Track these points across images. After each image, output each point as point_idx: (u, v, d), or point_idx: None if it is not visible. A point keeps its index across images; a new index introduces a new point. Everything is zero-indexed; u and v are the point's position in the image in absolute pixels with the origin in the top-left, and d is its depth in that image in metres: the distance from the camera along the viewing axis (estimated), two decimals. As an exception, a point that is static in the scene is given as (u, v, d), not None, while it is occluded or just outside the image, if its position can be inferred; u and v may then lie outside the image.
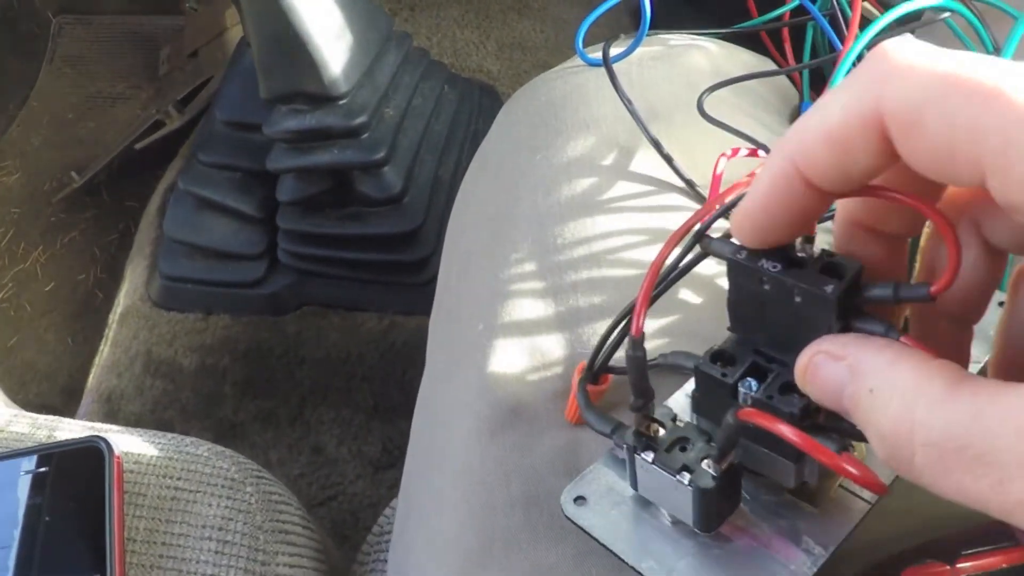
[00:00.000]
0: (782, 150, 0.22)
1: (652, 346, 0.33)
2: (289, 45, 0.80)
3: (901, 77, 0.19)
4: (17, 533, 0.50)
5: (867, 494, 0.28)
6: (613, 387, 0.35)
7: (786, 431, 0.23)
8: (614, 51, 0.51)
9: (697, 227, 0.27)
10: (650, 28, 0.52)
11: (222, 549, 0.52)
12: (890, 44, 0.20)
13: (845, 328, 0.24)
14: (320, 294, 1.01)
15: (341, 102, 0.85)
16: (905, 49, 0.20)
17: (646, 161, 0.47)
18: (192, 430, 0.95)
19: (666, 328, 0.38)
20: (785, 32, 0.64)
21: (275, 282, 1.00)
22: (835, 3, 0.53)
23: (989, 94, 0.18)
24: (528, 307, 0.41)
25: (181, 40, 1.36)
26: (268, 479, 0.58)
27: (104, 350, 1.03)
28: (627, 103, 0.47)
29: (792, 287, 0.24)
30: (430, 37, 1.26)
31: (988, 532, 0.27)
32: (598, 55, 0.52)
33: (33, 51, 1.50)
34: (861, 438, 0.24)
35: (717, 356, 0.26)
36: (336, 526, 0.88)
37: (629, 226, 0.43)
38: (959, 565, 0.26)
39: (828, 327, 0.24)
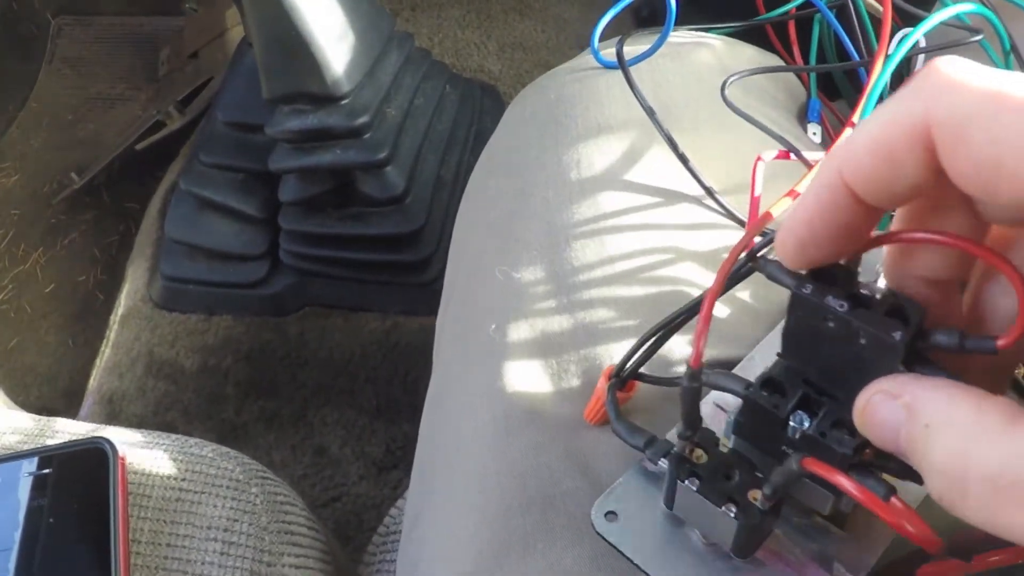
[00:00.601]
0: (831, 160, 0.22)
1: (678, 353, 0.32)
2: (292, 45, 0.80)
3: (951, 91, 0.19)
4: (18, 535, 0.49)
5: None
6: (637, 394, 0.35)
7: (848, 486, 0.23)
8: (628, 50, 0.51)
9: (752, 247, 0.26)
10: (650, 25, 0.52)
11: (227, 550, 0.52)
12: (941, 61, 0.20)
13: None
14: (322, 295, 1.00)
15: (343, 102, 0.85)
16: (956, 65, 0.20)
17: (659, 159, 0.46)
18: (194, 432, 0.95)
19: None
20: (792, 27, 0.64)
21: (277, 283, 1.00)
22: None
23: None
24: (541, 307, 0.41)
25: (181, 41, 1.35)
26: (273, 480, 0.58)
27: (105, 352, 1.03)
28: (642, 101, 0.47)
29: (858, 329, 0.23)
30: (431, 37, 1.25)
31: None
32: (609, 53, 0.52)
33: (32, 52, 1.49)
34: (909, 477, 0.24)
35: (766, 384, 0.26)
36: (340, 527, 0.88)
37: (643, 224, 0.43)
38: (975, 561, 0.26)
39: (890, 371, 0.23)
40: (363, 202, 0.91)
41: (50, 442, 0.55)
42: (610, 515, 0.30)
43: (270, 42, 0.81)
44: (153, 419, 0.96)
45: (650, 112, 0.46)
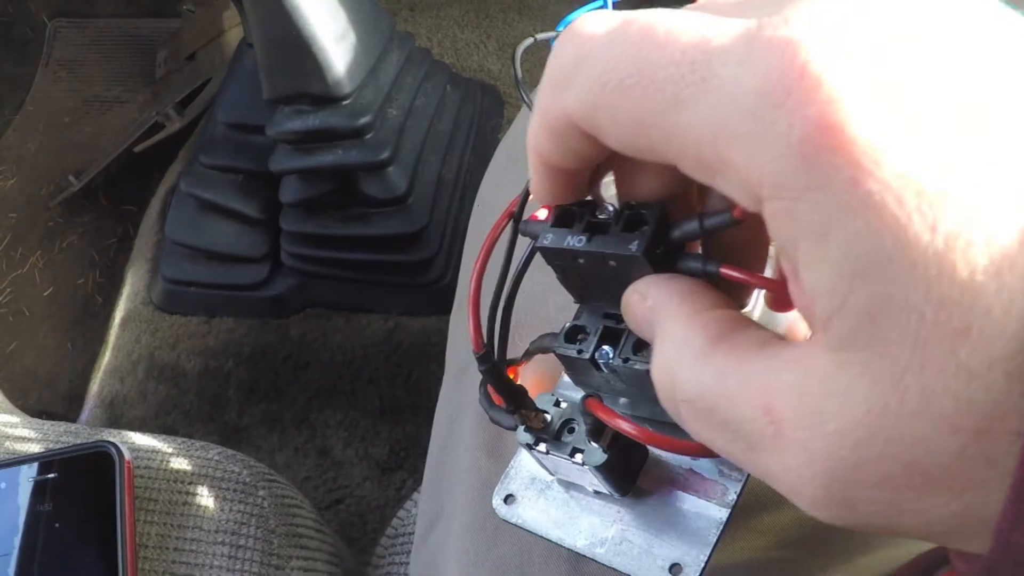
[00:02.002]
0: (528, 143, 0.22)
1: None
2: (293, 47, 0.79)
3: (572, 84, 0.20)
4: (17, 540, 0.49)
5: None
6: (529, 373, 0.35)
7: (625, 426, 0.24)
8: None
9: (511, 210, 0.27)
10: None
11: (236, 554, 0.52)
12: (559, 42, 0.20)
13: (668, 270, 0.23)
14: (324, 296, 1.00)
15: (345, 103, 0.85)
16: (567, 47, 0.20)
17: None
18: (196, 434, 0.94)
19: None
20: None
21: (278, 284, 0.99)
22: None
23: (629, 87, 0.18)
24: (567, 304, 0.40)
25: (178, 43, 1.35)
26: (280, 482, 0.57)
27: (106, 355, 1.03)
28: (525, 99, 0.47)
29: (600, 255, 0.23)
30: (430, 37, 1.25)
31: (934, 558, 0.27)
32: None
33: (28, 55, 1.49)
34: None
35: (572, 332, 0.26)
36: (344, 529, 0.88)
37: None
38: None
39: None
40: (365, 203, 0.91)
41: (53, 446, 0.55)
42: (509, 498, 0.31)
43: (271, 43, 0.81)
44: (154, 422, 0.96)
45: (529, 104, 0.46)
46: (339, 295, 1.00)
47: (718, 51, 0.17)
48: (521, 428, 0.28)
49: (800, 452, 0.17)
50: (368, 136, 0.86)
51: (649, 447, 0.29)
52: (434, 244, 0.92)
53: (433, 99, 0.97)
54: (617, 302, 0.24)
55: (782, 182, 0.16)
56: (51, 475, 0.52)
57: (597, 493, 0.29)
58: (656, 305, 0.21)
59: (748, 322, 0.20)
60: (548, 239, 0.24)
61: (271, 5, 0.77)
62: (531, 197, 0.25)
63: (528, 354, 0.30)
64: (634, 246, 0.22)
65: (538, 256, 0.26)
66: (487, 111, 1.05)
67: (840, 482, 0.16)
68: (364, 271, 0.96)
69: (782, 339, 0.19)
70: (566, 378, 0.32)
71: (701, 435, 0.20)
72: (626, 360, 0.25)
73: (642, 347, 0.25)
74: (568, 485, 0.30)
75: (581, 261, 0.24)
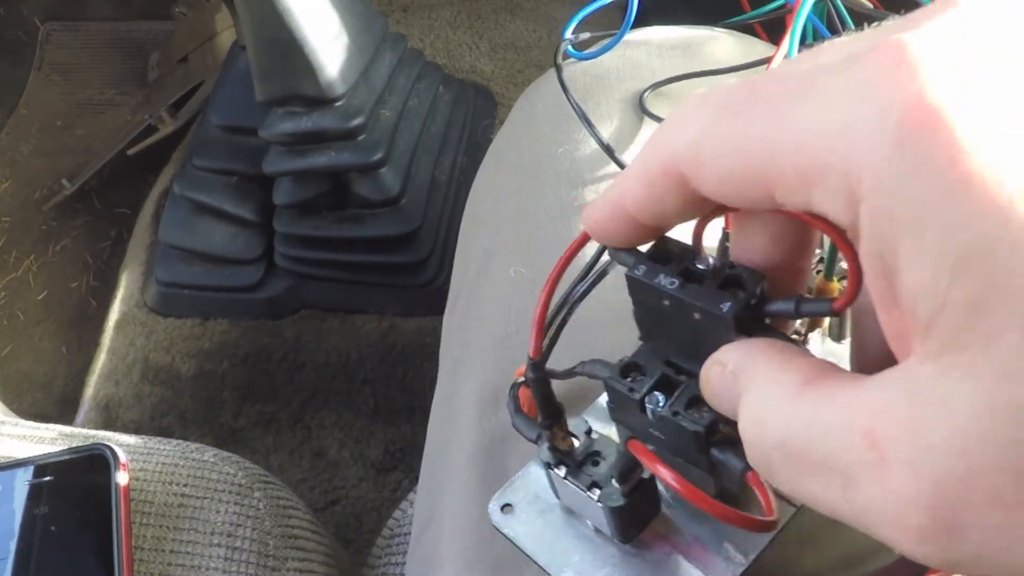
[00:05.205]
0: (616, 189, 0.23)
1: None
2: (285, 48, 0.80)
3: (693, 122, 0.20)
4: (13, 545, 0.49)
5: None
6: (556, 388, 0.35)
7: (664, 473, 0.23)
8: (597, 48, 0.51)
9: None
10: (643, 24, 0.52)
11: (231, 556, 0.52)
12: (688, 99, 0.21)
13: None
14: (318, 297, 1.00)
15: (337, 104, 0.85)
16: (692, 102, 0.20)
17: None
18: (191, 437, 0.94)
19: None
20: (788, 20, 0.63)
21: (273, 286, 0.99)
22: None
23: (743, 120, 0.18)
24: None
25: (170, 45, 1.35)
26: (275, 484, 0.57)
27: (100, 358, 1.03)
28: (574, 103, 0.47)
29: (689, 304, 0.23)
30: (423, 38, 1.25)
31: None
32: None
33: (21, 58, 1.49)
34: None
35: (628, 368, 0.26)
36: (339, 530, 0.88)
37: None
38: None
39: (728, 343, 0.23)
40: (358, 204, 0.91)
41: (49, 449, 0.55)
42: (507, 508, 0.30)
43: (263, 44, 0.81)
44: (150, 425, 0.96)
45: (581, 113, 0.47)
46: (333, 296, 1.00)
47: (826, 66, 0.17)
48: (545, 446, 0.28)
49: (904, 473, 0.15)
50: (361, 137, 0.86)
51: (663, 508, 0.28)
52: (428, 245, 0.93)
53: (426, 100, 0.97)
54: (684, 352, 0.24)
55: (880, 173, 0.15)
56: (47, 478, 0.52)
57: (597, 531, 0.29)
58: (738, 368, 0.21)
59: (839, 368, 0.19)
60: (640, 271, 0.24)
61: (263, 7, 0.77)
62: (585, 230, 0.24)
63: (572, 374, 0.29)
64: (726, 307, 0.22)
65: (606, 283, 0.26)
66: (480, 112, 1.06)
67: (947, 501, 0.15)
68: (358, 272, 0.97)
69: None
70: (598, 403, 0.32)
71: (794, 485, 0.18)
72: (675, 413, 0.24)
73: (694, 404, 0.24)
74: (570, 514, 0.30)
75: (666, 303, 0.24)
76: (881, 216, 0.16)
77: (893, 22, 0.18)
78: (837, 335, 0.32)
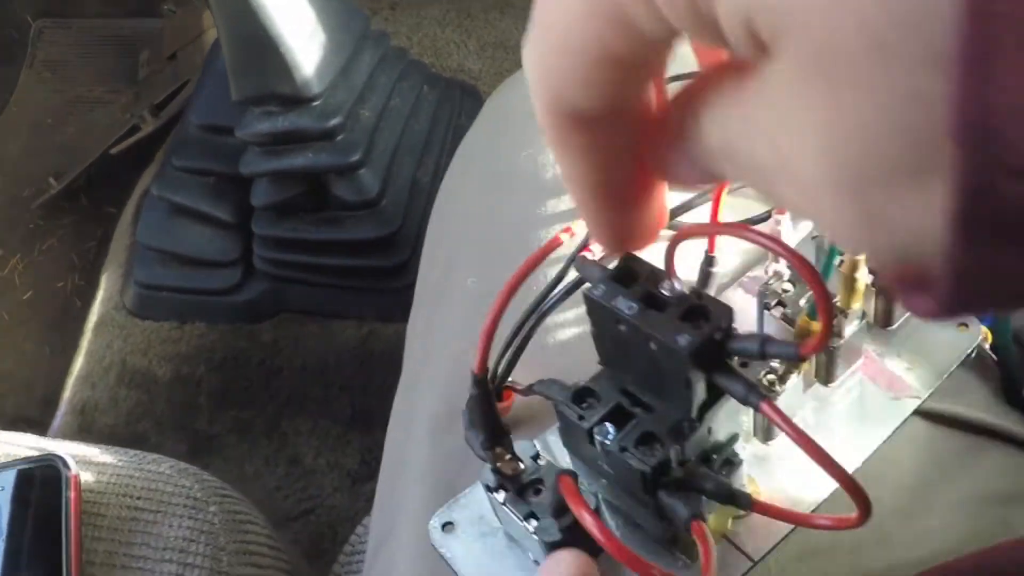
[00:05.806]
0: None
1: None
2: (259, 45, 0.78)
3: None
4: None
5: (750, 549, 0.26)
6: (523, 403, 0.33)
7: (589, 523, 0.22)
8: None
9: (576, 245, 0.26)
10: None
11: (183, 572, 0.50)
12: None
13: (708, 380, 0.22)
14: (297, 301, 0.99)
15: (314, 103, 0.83)
16: None
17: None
18: (166, 442, 0.93)
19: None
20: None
21: (251, 289, 0.98)
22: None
23: None
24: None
25: (159, 43, 1.33)
26: (233, 498, 0.56)
27: (79, 360, 1.01)
28: None
29: (646, 333, 0.21)
30: (410, 36, 1.23)
31: None
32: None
33: (12, 55, 1.48)
34: (723, 499, 0.23)
35: (583, 394, 0.24)
36: (314, 540, 0.86)
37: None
38: None
39: (686, 379, 0.21)
40: (337, 206, 0.89)
41: (10, 458, 0.54)
42: (448, 526, 0.29)
43: (237, 41, 0.79)
44: (125, 430, 0.94)
45: None
46: (312, 300, 0.98)
47: None
48: (488, 468, 0.26)
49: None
50: (339, 138, 0.85)
51: None
52: (408, 248, 0.91)
53: (408, 99, 0.95)
54: (642, 382, 0.23)
55: None
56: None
57: (537, 563, 0.27)
58: None
59: None
60: (599, 291, 0.22)
61: (236, 2, 0.75)
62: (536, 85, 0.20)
63: (529, 391, 0.28)
64: (683, 340, 0.20)
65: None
66: (466, 112, 1.04)
67: None
68: (337, 275, 0.95)
69: None
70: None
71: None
72: (623, 449, 0.23)
73: (646, 441, 0.23)
74: (512, 541, 0.28)
75: (622, 328, 0.22)
76: None
77: None
78: (825, 378, 0.30)
